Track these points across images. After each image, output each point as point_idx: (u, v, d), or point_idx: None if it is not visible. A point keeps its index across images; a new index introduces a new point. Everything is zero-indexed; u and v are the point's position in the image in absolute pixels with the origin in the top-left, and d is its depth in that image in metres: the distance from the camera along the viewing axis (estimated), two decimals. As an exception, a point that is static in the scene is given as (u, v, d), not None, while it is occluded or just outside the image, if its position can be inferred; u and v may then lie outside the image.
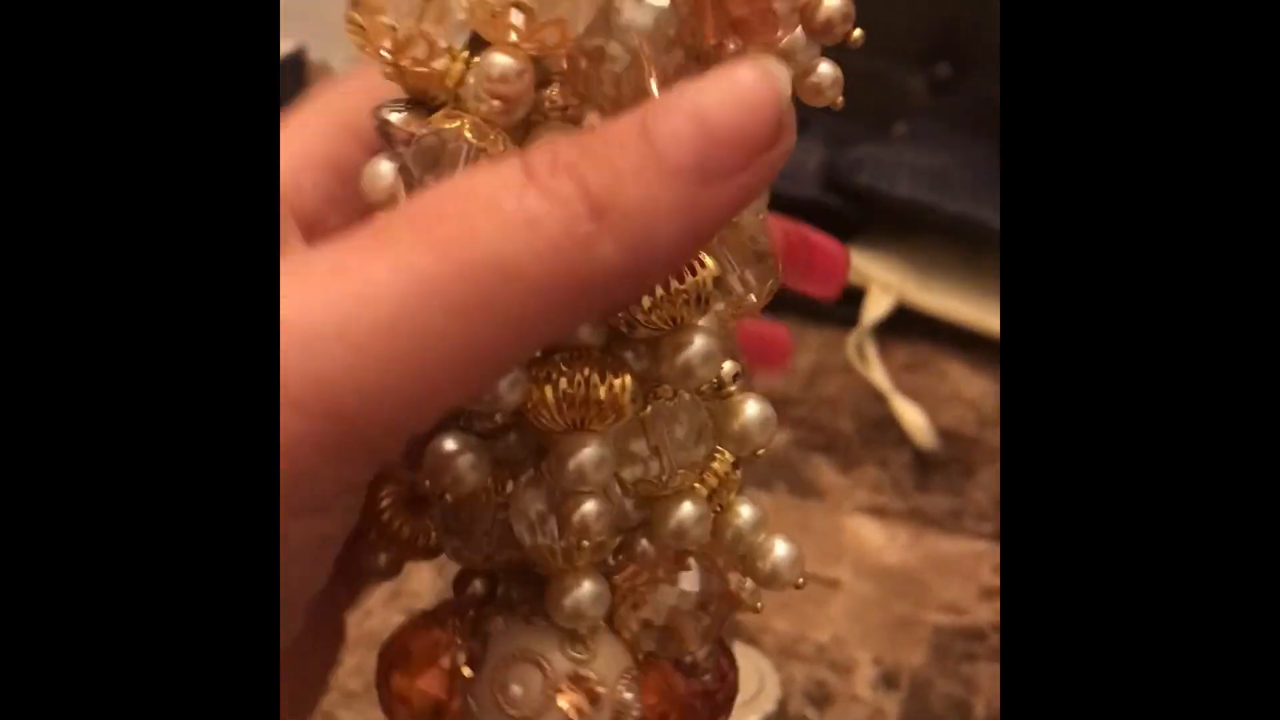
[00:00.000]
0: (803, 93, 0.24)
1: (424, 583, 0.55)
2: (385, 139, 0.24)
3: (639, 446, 0.24)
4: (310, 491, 0.21)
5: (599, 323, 0.23)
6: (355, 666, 0.44)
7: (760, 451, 0.25)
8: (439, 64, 0.23)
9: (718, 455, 0.25)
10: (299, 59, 1.04)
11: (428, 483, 0.25)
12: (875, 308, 0.76)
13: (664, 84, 0.22)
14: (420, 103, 0.23)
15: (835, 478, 0.66)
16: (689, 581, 0.25)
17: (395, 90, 0.24)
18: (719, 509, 0.26)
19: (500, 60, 0.21)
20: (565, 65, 0.22)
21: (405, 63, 0.22)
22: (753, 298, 0.25)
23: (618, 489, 0.24)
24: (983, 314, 0.74)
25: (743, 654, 0.31)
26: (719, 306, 0.24)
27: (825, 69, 0.24)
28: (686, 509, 0.24)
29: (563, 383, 0.23)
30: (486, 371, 0.21)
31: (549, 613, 0.24)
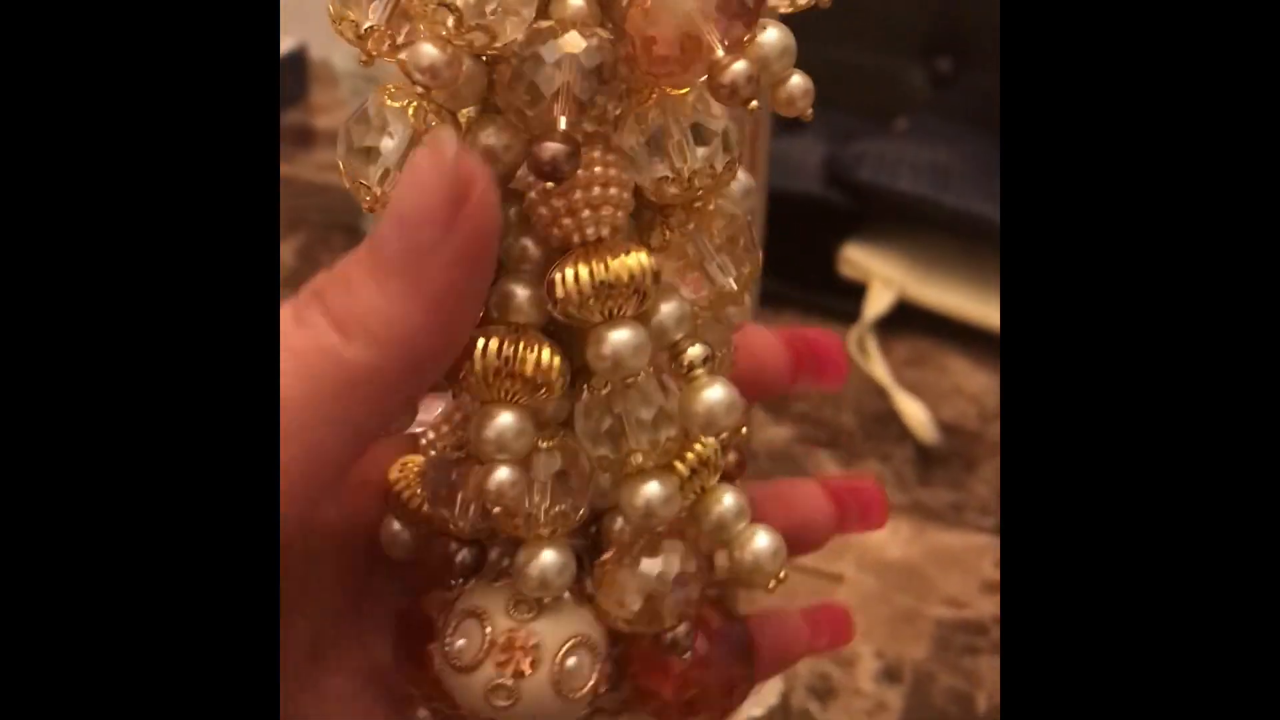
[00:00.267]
0: (776, 104, 0.25)
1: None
2: None
3: (602, 424, 0.25)
4: None
5: (539, 304, 0.24)
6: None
7: (723, 435, 0.26)
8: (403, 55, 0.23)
9: (701, 440, 0.26)
10: (300, 57, 1.04)
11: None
12: (877, 303, 0.76)
13: (580, 114, 0.22)
14: None
15: (838, 472, 0.66)
16: (665, 560, 0.25)
17: None
18: (699, 492, 0.26)
19: (428, 51, 0.22)
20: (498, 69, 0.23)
21: (374, 51, 0.24)
22: (731, 283, 0.25)
23: (555, 462, 0.25)
24: (984, 308, 0.74)
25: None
26: (685, 295, 0.25)
27: (796, 80, 0.25)
28: (653, 488, 0.25)
29: (490, 353, 0.24)
30: (325, 469, 0.23)
31: (515, 580, 0.25)
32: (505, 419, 0.24)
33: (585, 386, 0.25)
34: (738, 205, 0.26)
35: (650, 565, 0.25)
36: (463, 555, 0.27)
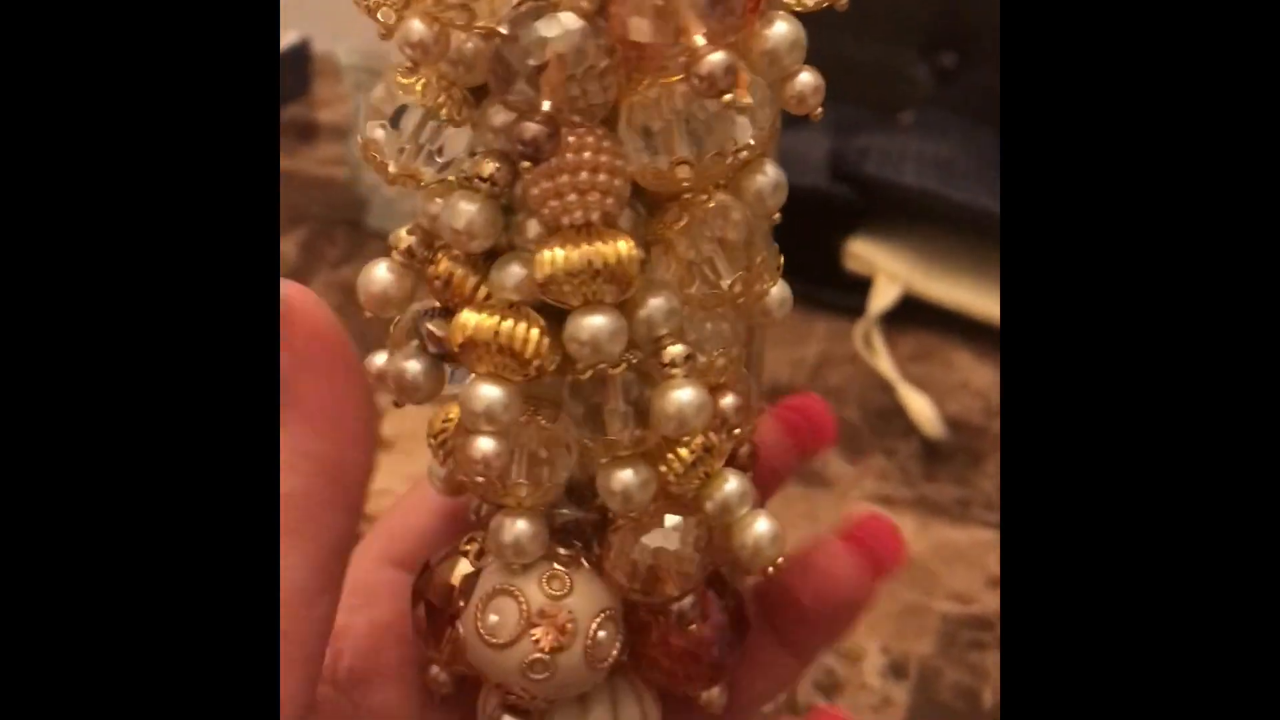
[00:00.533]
0: (785, 102, 0.25)
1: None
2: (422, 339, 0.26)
3: (581, 409, 0.25)
4: None
5: (528, 290, 0.24)
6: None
7: (736, 431, 0.27)
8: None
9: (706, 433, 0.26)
10: (303, 51, 1.04)
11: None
12: (882, 297, 0.75)
13: (564, 96, 0.23)
14: (448, 311, 0.26)
15: (843, 467, 0.66)
16: (669, 532, 0.26)
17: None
18: (704, 477, 0.26)
19: (416, 27, 0.23)
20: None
21: (390, 24, 0.24)
22: (725, 284, 0.25)
23: (534, 437, 0.26)
24: (989, 303, 0.74)
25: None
26: (693, 290, 0.25)
27: (806, 78, 0.24)
28: (628, 475, 0.25)
29: (481, 328, 0.24)
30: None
31: (490, 547, 0.26)
32: (492, 392, 0.24)
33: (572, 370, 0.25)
34: (764, 202, 0.26)
35: (654, 537, 0.26)
36: (485, 509, 0.28)
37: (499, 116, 0.24)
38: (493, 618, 0.26)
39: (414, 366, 0.26)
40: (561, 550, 0.27)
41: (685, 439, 0.26)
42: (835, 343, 0.75)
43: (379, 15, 0.24)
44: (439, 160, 0.24)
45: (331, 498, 0.24)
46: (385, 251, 0.26)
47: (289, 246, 0.82)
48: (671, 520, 0.26)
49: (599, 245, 0.23)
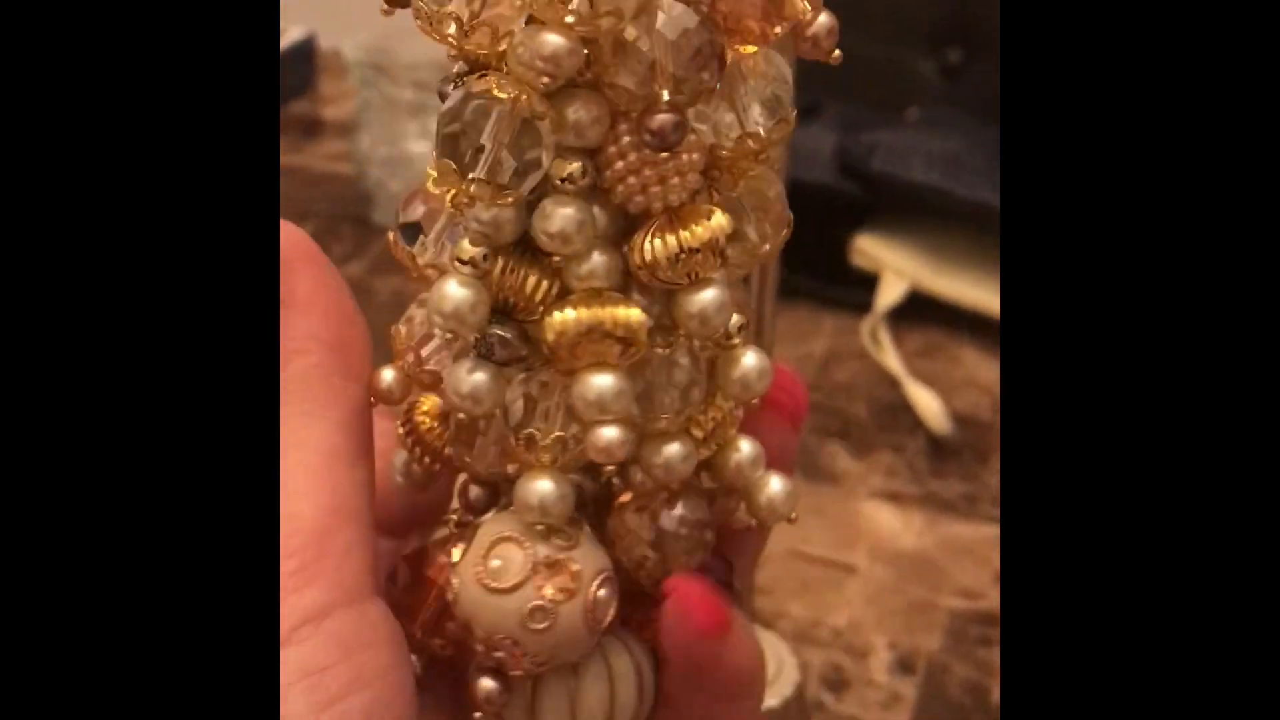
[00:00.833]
0: (800, 48, 0.25)
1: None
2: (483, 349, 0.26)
3: (636, 387, 0.26)
4: None
5: (614, 269, 0.25)
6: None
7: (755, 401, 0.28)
8: (501, 46, 0.24)
9: (719, 405, 0.27)
10: (309, 46, 1.04)
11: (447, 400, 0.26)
12: (889, 294, 0.75)
13: (680, 85, 0.24)
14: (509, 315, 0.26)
15: (850, 463, 0.66)
16: (679, 516, 0.27)
17: None
18: (719, 445, 0.27)
19: (551, 40, 0.23)
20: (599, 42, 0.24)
21: (469, 47, 0.24)
22: (767, 246, 0.27)
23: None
24: (996, 298, 0.74)
25: (760, 638, 0.31)
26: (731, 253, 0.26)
27: (822, 19, 0.25)
28: (674, 449, 0.26)
29: (572, 321, 0.25)
30: None
31: (515, 506, 0.26)
32: (604, 380, 0.25)
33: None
34: (773, 168, 0.27)
35: (667, 519, 0.27)
36: (476, 493, 0.28)
37: (575, 115, 0.24)
38: (495, 562, 0.25)
39: (478, 377, 0.25)
40: None
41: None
42: (842, 339, 0.75)
43: (474, 38, 0.24)
44: (528, 171, 0.24)
45: (344, 368, 0.26)
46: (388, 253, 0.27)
47: (295, 243, 0.81)
48: (683, 504, 0.27)
49: (706, 224, 0.24)
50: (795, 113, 0.25)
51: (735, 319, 0.26)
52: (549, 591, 0.25)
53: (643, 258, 0.24)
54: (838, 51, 0.25)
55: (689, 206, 0.25)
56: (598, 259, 0.25)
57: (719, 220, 0.24)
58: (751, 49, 0.25)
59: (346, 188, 0.88)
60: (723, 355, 0.26)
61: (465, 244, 0.25)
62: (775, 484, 0.28)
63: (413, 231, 0.27)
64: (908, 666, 0.54)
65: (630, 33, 0.23)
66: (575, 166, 0.24)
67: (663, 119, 0.23)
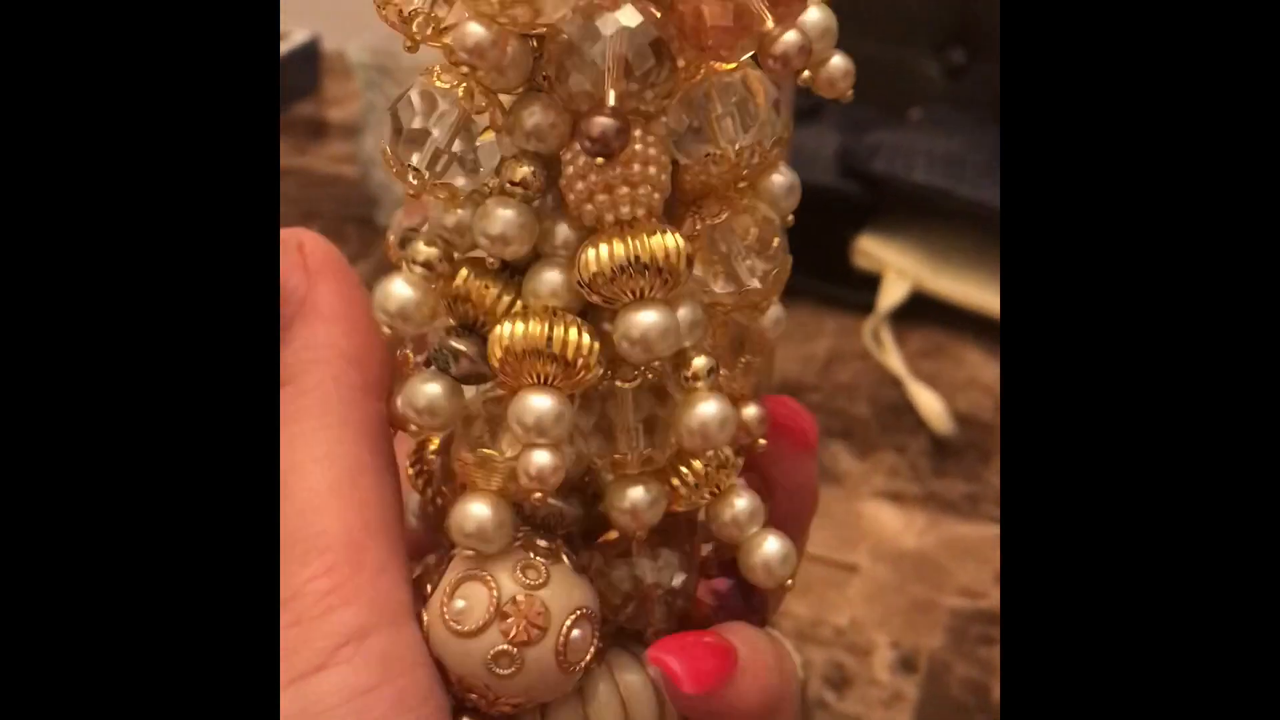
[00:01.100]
0: (817, 86, 0.25)
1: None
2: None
3: (589, 422, 0.24)
4: None
5: (569, 287, 0.24)
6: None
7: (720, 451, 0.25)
8: (447, 39, 0.23)
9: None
10: (313, 49, 1.04)
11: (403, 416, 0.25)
12: (891, 294, 0.76)
13: (629, 91, 0.22)
14: (470, 328, 0.25)
15: (852, 463, 0.66)
16: (660, 568, 0.26)
17: None
18: (715, 492, 0.25)
19: (474, 30, 0.22)
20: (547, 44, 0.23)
21: (418, 36, 0.23)
22: (756, 283, 0.25)
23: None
24: (998, 299, 0.74)
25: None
26: (718, 288, 0.24)
27: (837, 61, 0.24)
28: (639, 493, 0.25)
29: (520, 335, 0.23)
30: None
31: (450, 532, 0.25)
32: (542, 403, 0.23)
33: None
34: (779, 204, 0.25)
35: (645, 569, 0.25)
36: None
37: (532, 119, 0.23)
38: (459, 603, 0.24)
39: (433, 390, 0.24)
40: (541, 541, 0.25)
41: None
42: (845, 339, 0.75)
43: (414, 26, 0.23)
44: (473, 169, 0.24)
45: (363, 382, 0.25)
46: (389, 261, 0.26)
47: (300, 244, 0.82)
48: (665, 557, 0.25)
49: (646, 240, 0.23)
50: (780, 138, 0.24)
51: (702, 361, 0.24)
52: (514, 636, 0.24)
53: (585, 269, 0.23)
54: (851, 92, 0.24)
55: (642, 222, 0.23)
56: (556, 276, 0.24)
57: (672, 240, 0.23)
58: (729, 66, 0.23)
59: (351, 189, 0.88)
60: (683, 399, 0.24)
61: (421, 245, 0.24)
62: (772, 545, 0.26)
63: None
64: (910, 665, 0.54)
65: (567, 33, 0.22)
66: (526, 170, 0.23)
67: (603, 123, 0.22)
